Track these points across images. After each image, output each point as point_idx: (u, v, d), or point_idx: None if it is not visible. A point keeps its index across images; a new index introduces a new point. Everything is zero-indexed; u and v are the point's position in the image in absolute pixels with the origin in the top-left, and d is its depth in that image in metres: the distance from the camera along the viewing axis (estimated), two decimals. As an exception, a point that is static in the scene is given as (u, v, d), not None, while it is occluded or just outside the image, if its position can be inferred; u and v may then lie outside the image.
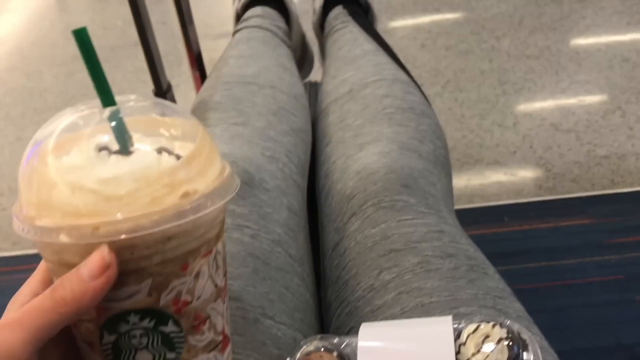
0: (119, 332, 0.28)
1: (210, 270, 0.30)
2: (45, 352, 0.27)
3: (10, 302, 0.29)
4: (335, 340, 0.39)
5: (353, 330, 0.45)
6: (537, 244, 1.13)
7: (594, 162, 1.27)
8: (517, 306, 0.44)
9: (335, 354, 0.37)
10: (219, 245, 0.31)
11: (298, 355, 0.38)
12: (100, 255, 0.26)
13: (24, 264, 1.20)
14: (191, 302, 0.29)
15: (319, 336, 0.40)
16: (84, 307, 0.26)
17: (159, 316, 0.28)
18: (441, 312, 0.42)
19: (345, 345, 0.38)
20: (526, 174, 1.28)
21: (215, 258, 0.31)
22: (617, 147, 1.30)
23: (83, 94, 1.64)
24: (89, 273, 0.25)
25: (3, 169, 1.46)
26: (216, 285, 0.31)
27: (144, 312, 0.28)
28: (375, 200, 0.51)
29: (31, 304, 0.26)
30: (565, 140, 1.33)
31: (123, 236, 0.26)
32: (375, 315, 0.44)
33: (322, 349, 0.38)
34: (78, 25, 0.28)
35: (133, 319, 0.28)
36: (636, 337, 0.95)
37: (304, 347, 0.39)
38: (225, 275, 0.33)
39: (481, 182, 1.27)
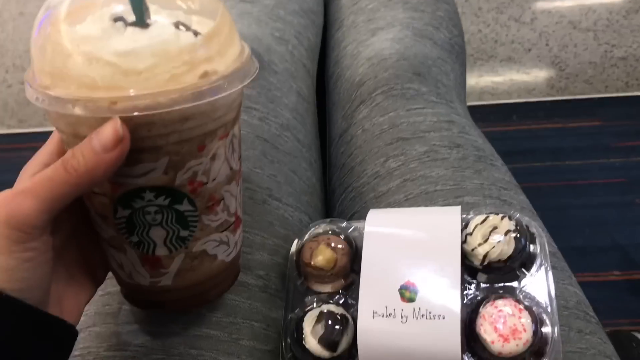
0: (133, 207, 0.29)
1: (227, 153, 0.30)
2: (58, 221, 0.28)
3: (22, 171, 0.29)
4: (344, 224, 0.39)
5: (356, 215, 0.46)
6: (543, 143, 1.13)
7: (610, 63, 1.24)
8: (521, 198, 0.44)
9: (342, 237, 0.38)
10: (236, 129, 0.31)
11: (306, 236, 0.39)
12: (113, 128, 0.25)
13: (31, 142, 1.20)
14: (206, 183, 0.29)
15: (327, 220, 0.40)
16: (96, 179, 0.26)
17: (174, 195, 0.29)
18: (445, 201, 0.42)
19: (352, 229, 0.39)
20: (539, 72, 1.25)
21: (231, 141, 0.30)
22: (635, 49, 1.26)
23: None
24: (100, 145, 0.25)
25: (7, 45, 1.43)
26: (231, 168, 0.31)
27: (159, 190, 0.28)
28: (385, 87, 0.50)
29: (43, 174, 0.26)
30: (582, 39, 1.29)
31: (137, 113, 0.25)
32: (379, 201, 0.44)
33: (330, 232, 0.39)
34: None
35: (148, 195, 0.28)
36: (631, 238, 0.98)
37: (313, 229, 0.39)
38: (240, 159, 0.32)
39: (493, 79, 1.25)
